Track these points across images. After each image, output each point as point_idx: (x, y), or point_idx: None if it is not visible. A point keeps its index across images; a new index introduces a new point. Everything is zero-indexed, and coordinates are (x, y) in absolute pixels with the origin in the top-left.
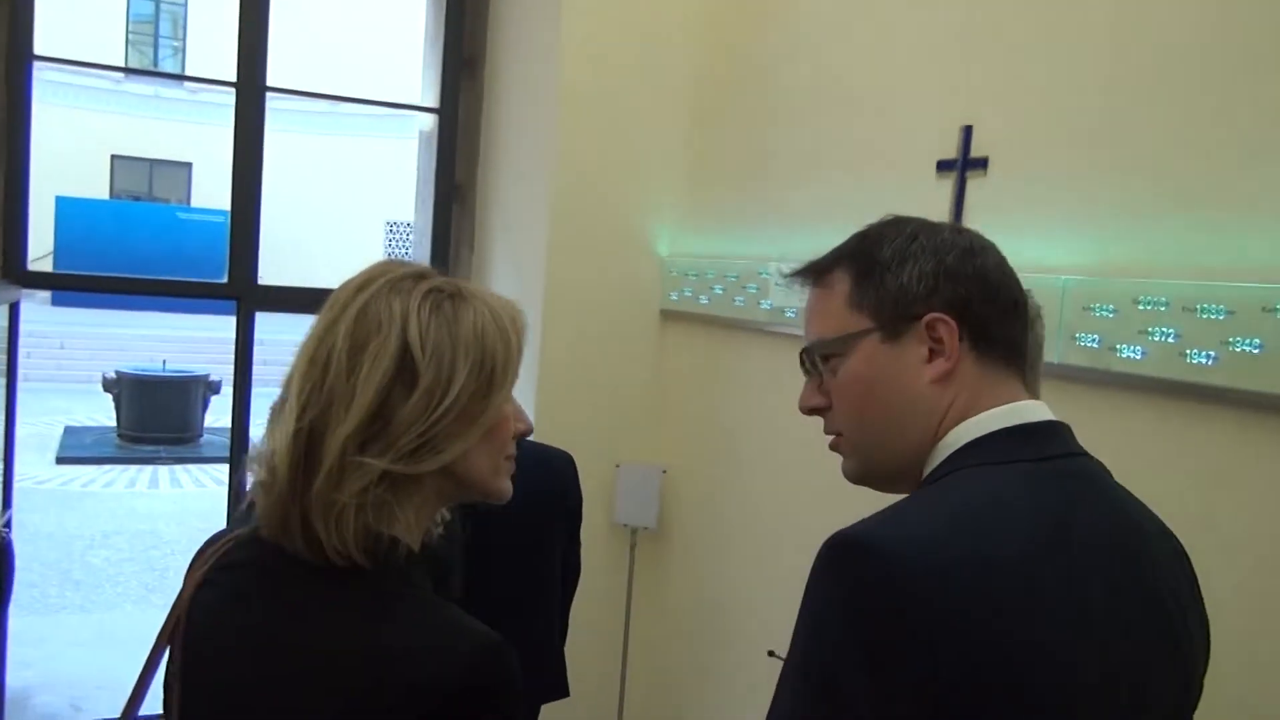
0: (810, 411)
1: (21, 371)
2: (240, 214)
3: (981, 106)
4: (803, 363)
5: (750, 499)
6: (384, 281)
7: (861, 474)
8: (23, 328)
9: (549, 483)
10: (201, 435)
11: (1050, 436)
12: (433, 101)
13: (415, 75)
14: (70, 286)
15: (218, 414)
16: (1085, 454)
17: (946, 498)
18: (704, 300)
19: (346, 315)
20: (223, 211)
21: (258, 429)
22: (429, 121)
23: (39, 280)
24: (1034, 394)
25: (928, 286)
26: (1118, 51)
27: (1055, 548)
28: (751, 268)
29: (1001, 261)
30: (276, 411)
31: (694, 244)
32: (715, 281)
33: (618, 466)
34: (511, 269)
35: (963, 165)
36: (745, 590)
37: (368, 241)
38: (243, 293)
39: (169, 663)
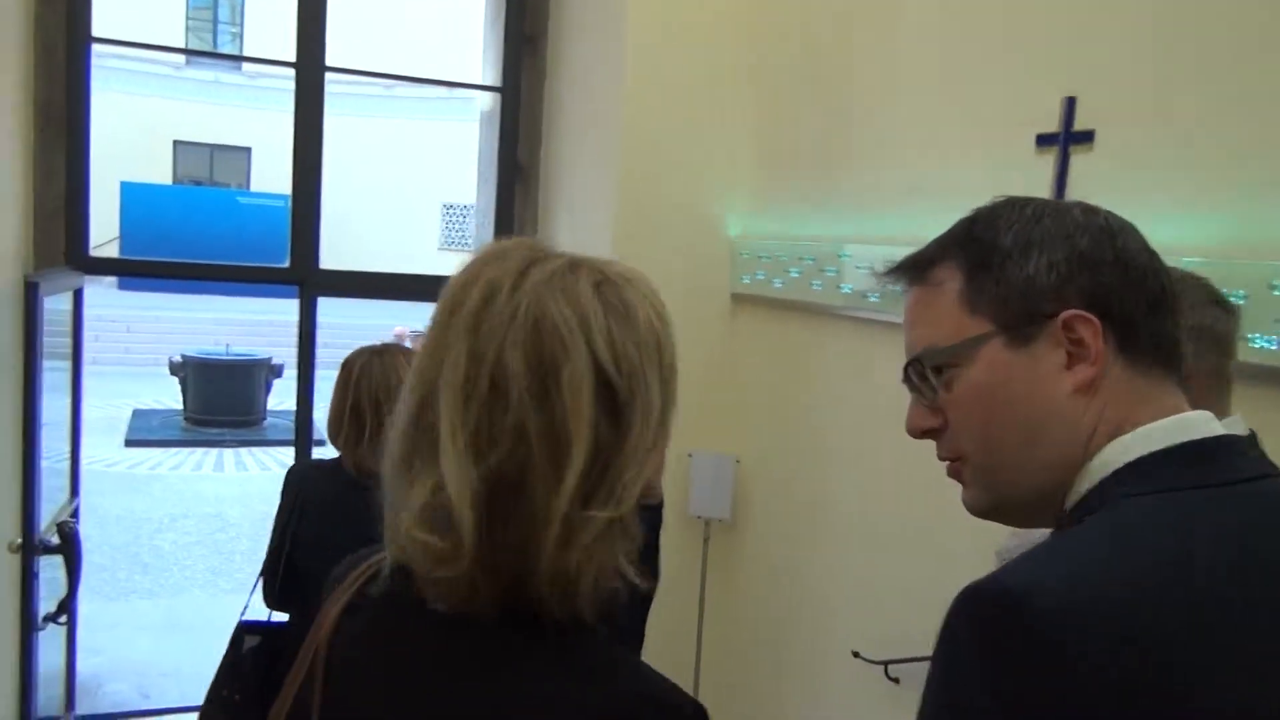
0: (922, 434)
1: (90, 355)
2: (301, 198)
3: (1086, 75)
4: (908, 377)
5: (829, 491)
6: (541, 276)
7: (989, 505)
8: (92, 312)
9: None
10: (265, 418)
11: (1233, 454)
12: (494, 80)
13: (475, 55)
14: (133, 272)
15: (280, 397)
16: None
17: (1113, 538)
18: (778, 284)
19: (515, 328)
20: (282, 196)
21: (319, 412)
22: (489, 101)
23: (102, 266)
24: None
25: (1060, 277)
26: (1244, 7)
27: (1257, 605)
28: (829, 249)
29: (1144, 244)
30: (408, 443)
31: (766, 225)
32: (790, 264)
33: (689, 455)
34: (576, 249)
35: (1065, 139)
36: (826, 587)
37: (424, 224)
38: (305, 277)
39: (300, 694)
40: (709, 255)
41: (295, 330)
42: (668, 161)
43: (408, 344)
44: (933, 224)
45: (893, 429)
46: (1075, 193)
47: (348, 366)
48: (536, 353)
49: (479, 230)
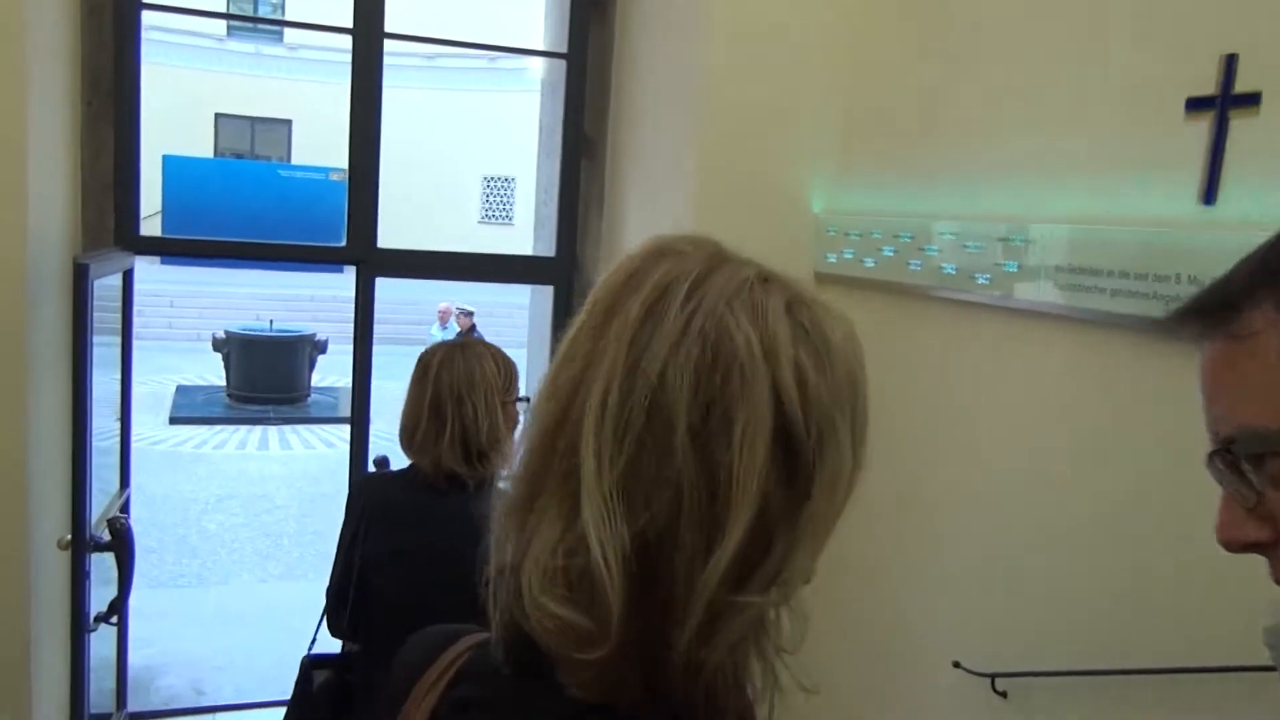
0: (1244, 548)
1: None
2: (360, 175)
3: (1250, 29)
4: (1215, 465)
5: (925, 490)
6: (724, 285)
7: None
8: (135, 286)
9: None
10: (309, 395)
11: None
12: (558, 45)
13: (534, 20)
14: (187, 252)
15: (323, 373)
16: None
17: None
18: (870, 263)
19: (685, 345)
20: (323, 168)
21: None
22: (548, 69)
23: (153, 246)
24: None
25: None
26: None
27: None
28: (928, 225)
29: None
30: (533, 473)
31: (853, 200)
32: (884, 242)
33: None
34: (645, 227)
35: (1224, 103)
36: (921, 592)
37: (463, 197)
38: (363, 257)
39: None
40: (791, 232)
41: (340, 306)
42: (749, 132)
43: (453, 322)
44: (1049, 201)
45: (1002, 422)
46: (1235, 167)
47: (425, 361)
48: (708, 381)
49: (540, 208)
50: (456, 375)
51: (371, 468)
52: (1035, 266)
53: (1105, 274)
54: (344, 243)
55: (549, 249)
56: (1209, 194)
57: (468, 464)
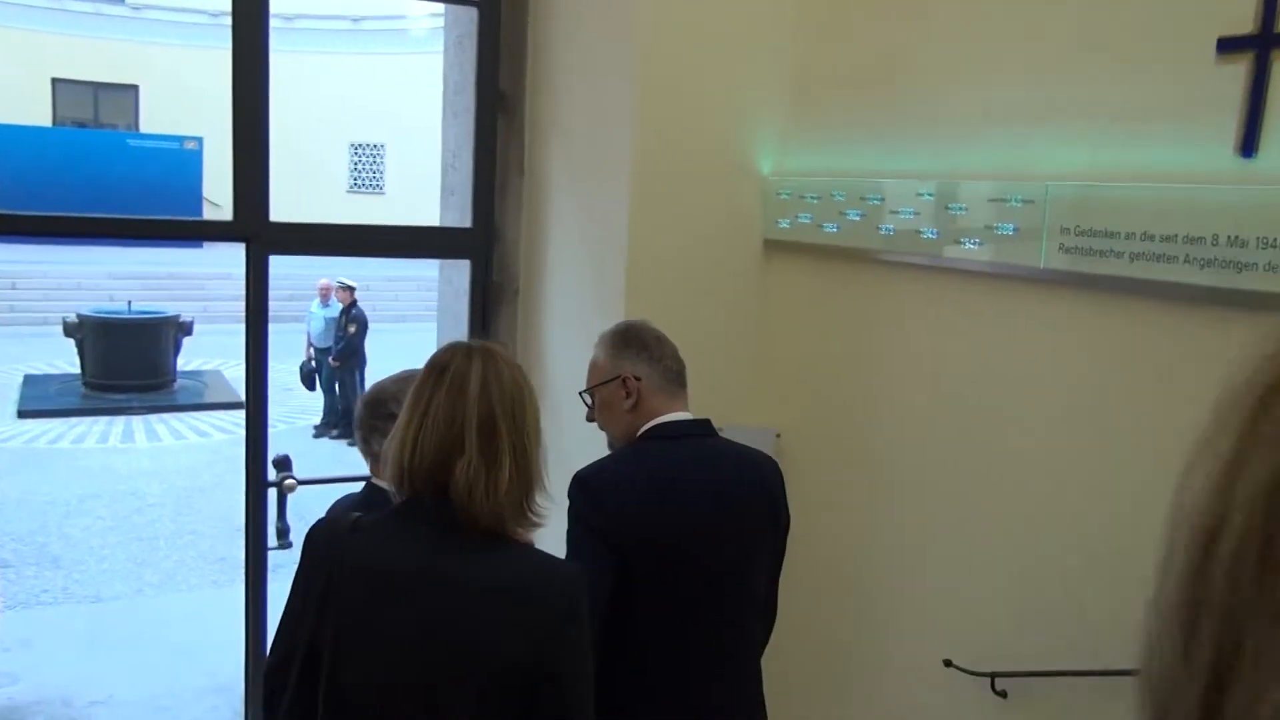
0: None
1: None
2: (245, 143)
3: None
4: None
5: (889, 468)
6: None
7: None
8: None
9: (757, 494)
10: (175, 381)
11: None
12: None
13: None
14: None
15: (189, 356)
16: None
17: None
18: (831, 228)
19: None
20: (177, 137)
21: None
22: (456, 20)
23: (6, 225)
24: None
25: None
26: None
27: None
28: (901, 186)
29: None
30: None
31: (808, 159)
32: (848, 205)
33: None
34: (575, 194)
35: (1264, 42)
36: (898, 582)
37: (330, 166)
38: (254, 233)
39: None
40: (737, 196)
41: (203, 284)
42: (689, 88)
43: (334, 298)
44: (1051, 155)
45: (998, 403)
46: (1278, 116)
47: (444, 369)
48: None
49: (447, 173)
50: (507, 393)
51: (272, 469)
52: (1035, 229)
53: (1123, 236)
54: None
55: (460, 219)
56: (1247, 145)
57: (522, 511)
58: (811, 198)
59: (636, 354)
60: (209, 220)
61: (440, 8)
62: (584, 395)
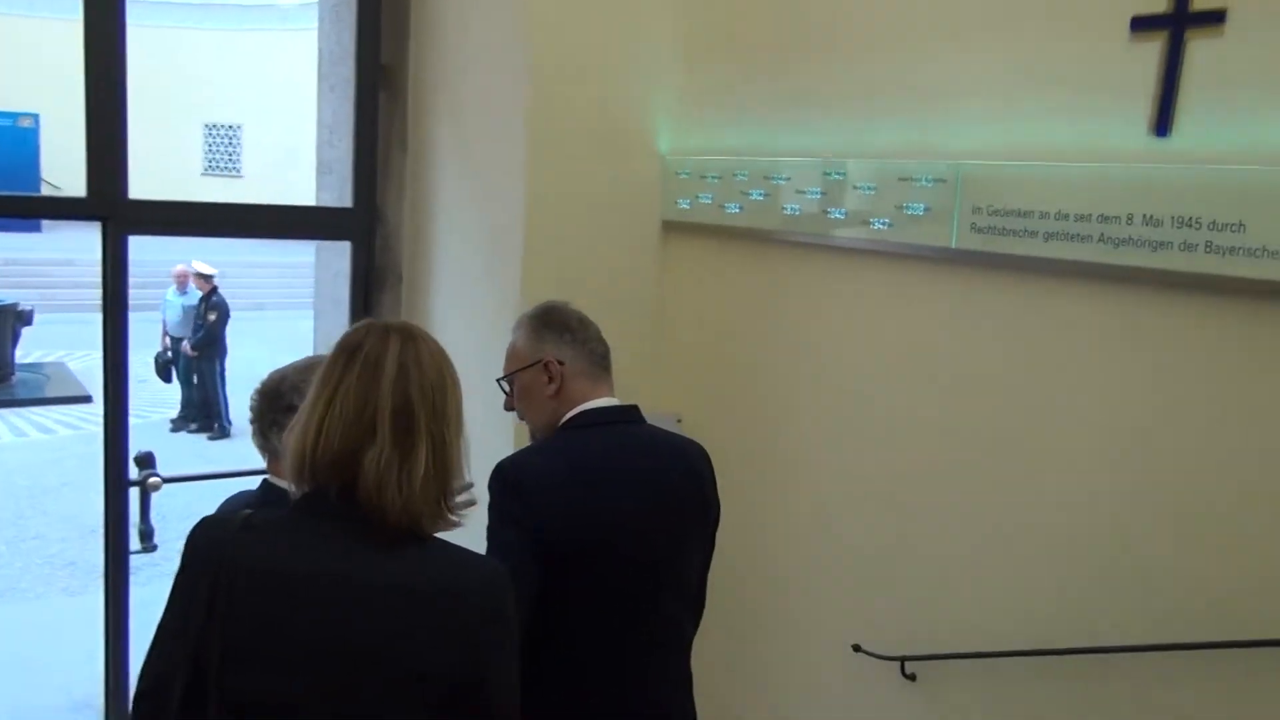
0: None
1: None
2: (100, 116)
3: None
4: None
5: (793, 453)
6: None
7: None
8: None
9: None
10: (14, 374)
11: None
12: None
13: None
14: None
15: (28, 347)
16: None
17: None
18: (733, 208)
19: None
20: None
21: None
22: None
23: None
24: None
25: None
26: None
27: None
28: (808, 166)
29: None
30: None
31: (709, 139)
32: (751, 184)
33: None
34: (465, 174)
35: (1178, 21)
36: (806, 568)
37: (184, 147)
38: (110, 211)
39: None
40: (634, 176)
41: (39, 270)
42: (582, 64)
43: (192, 286)
44: (961, 134)
45: (886, 376)
46: (1194, 94)
47: (356, 349)
48: None
49: (323, 150)
50: (428, 378)
51: (134, 467)
52: (947, 208)
53: (1037, 215)
54: (83, 194)
55: (339, 199)
56: (1162, 124)
57: (439, 509)
58: (713, 177)
59: (559, 336)
60: (62, 197)
61: None
62: (501, 383)
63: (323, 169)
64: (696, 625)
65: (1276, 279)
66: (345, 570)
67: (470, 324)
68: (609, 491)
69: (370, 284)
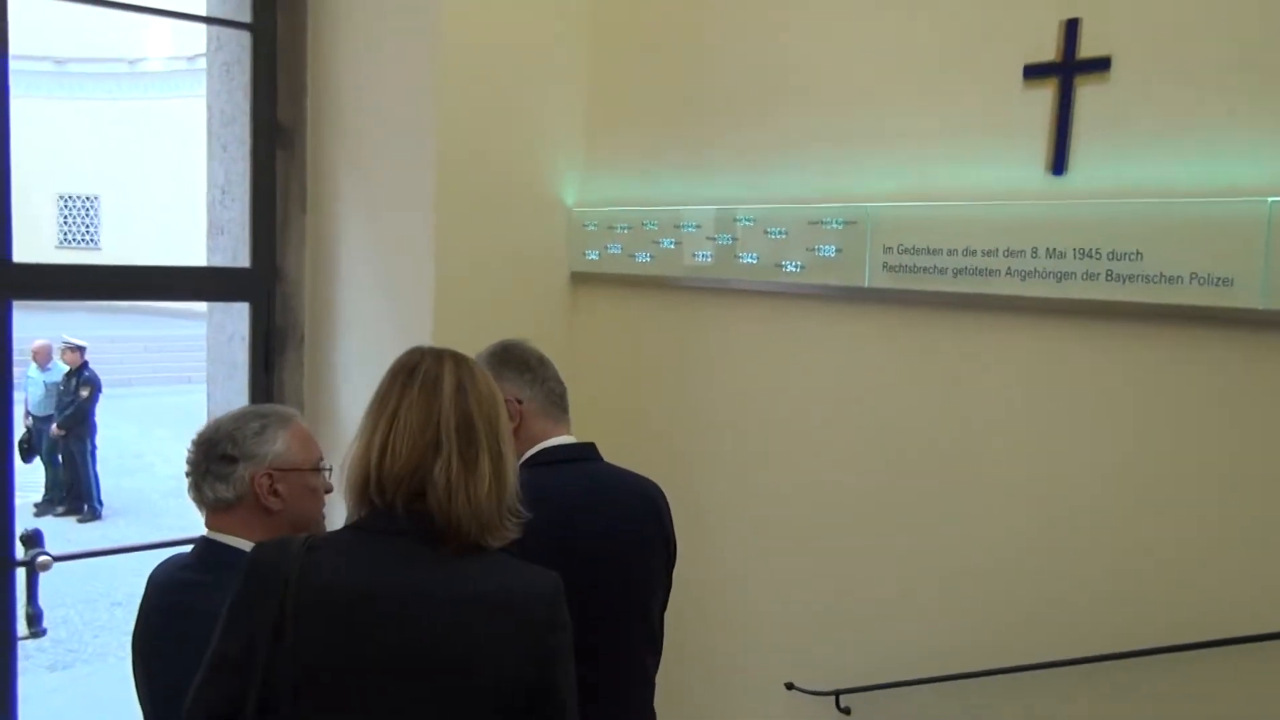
0: None
1: None
2: None
3: None
4: None
5: (709, 495)
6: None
7: None
8: None
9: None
10: None
11: None
12: (238, 14)
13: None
14: None
15: None
16: None
17: None
18: (643, 257)
19: None
20: None
21: None
22: (220, 46)
23: None
24: None
25: None
26: None
27: None
28: (717, 214)
29: None
30: None
31: (616, 190)
32: (661, 234)
33: None
34: (368, 231)
35: (1068, 69)
36: (731, 609)
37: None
38: None
39: None
40: (543, 229)
41: None
42: (488, 122)
43: (58, 360)
44: (867, 179)
45: (804, 415)
46: (1086, 135)
47: (414, 369)
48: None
49: (215, 209)
50: (483, 394)
51: (19, 546)
52: (859, 249)
53: (945, 253)
54: None
55: (232, 259)
56: (1058, 164)
57: (499, 519)
58: (622, 228)
59: (519, 375)
60: None
61: (186, 41)
62: None
63: (214, 230)
64: (657, 665)
65: (1173, 302)
66: (416, 583)
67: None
68: (579, 536)
69: (271, 345)
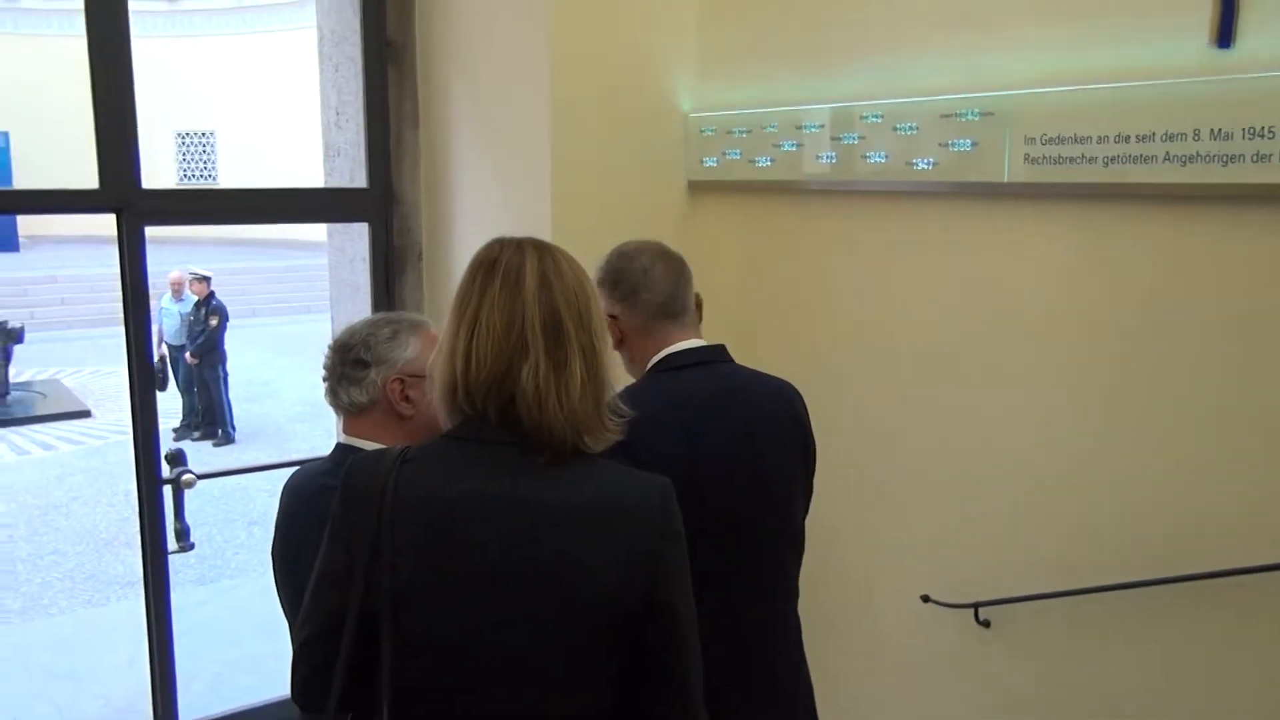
0: None
1: None
2: (109, 109)
3: None
4: None
5: (844, 403)
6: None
7: None
8: None
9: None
10: (8, 393)
11: None
12: None
13: None
14: None
15: (21, 366)
16: None
17: None
18: (764, 161)
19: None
20: None
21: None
22: None
23: None
24: None
25: None
26: None
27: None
28: (839, 112)
29: None
30: None
31: (733, 93)
32: (782, 136)
33: None
34: (483, 147)
35: None
36: (869, 521)
37: (156, 154)
38: (124, 202)
39: None
40: (657, 138)
41: (24, 287)
42: (598, 27)
43: (188, 292)
44: (1005, 64)
45: (941, 319)
46: (1257, 2)
47: (494, 264)
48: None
49: (330, 133)
50: (569, 287)
51: (165, 466)
52: (996, 142)
53: (1095, 140)
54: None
55: (350, 180)
56: (1224, 35)
57: (598, 421)
58: (740, 132)
59: (610, 291)
60: (77, 190)
61: None
62: None
63: (330, 153)
64: (798, 572)
65: None
66: (514, 492)
67: None
68: (710, 431)
69: (391, 265)
